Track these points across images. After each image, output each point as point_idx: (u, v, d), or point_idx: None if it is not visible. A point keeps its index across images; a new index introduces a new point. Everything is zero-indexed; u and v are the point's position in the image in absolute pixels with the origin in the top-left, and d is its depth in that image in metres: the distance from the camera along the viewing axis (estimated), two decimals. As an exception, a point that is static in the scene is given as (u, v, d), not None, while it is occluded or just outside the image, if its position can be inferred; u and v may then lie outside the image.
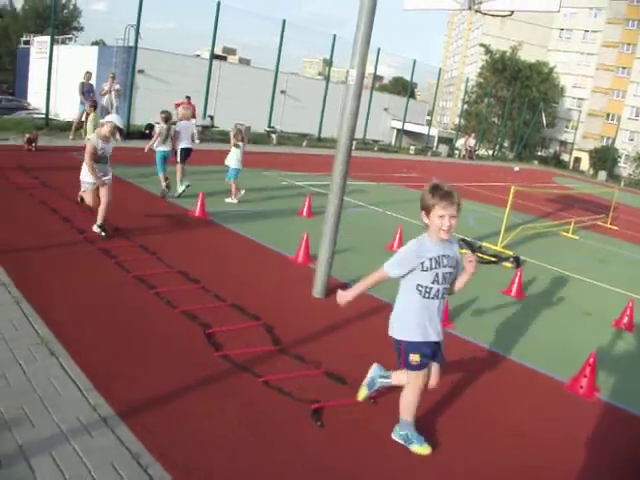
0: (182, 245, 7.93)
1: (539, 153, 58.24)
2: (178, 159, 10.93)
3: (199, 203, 9.58)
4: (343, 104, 6.57)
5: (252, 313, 5.86)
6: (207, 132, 21.30)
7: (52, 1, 18.35)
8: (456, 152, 36.21)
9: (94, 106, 12.77)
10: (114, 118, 7.77)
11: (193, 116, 20.28)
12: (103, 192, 7.57)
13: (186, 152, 11.04)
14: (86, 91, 16.86)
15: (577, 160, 64.00)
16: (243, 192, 11.16)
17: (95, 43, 47.74)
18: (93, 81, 31.05)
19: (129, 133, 18.43)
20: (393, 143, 38.99)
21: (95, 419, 3.74)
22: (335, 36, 26.57)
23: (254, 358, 4.96)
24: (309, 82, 41.37)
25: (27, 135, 13.48)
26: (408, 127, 41.65)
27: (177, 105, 20.35)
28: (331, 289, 6.77)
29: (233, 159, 10.96)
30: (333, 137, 28.90)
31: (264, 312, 5.93)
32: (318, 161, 20.87)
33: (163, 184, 10.54)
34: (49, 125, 18.22)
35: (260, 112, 26.88)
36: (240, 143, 11.01)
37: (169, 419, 3.90)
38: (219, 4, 21.42)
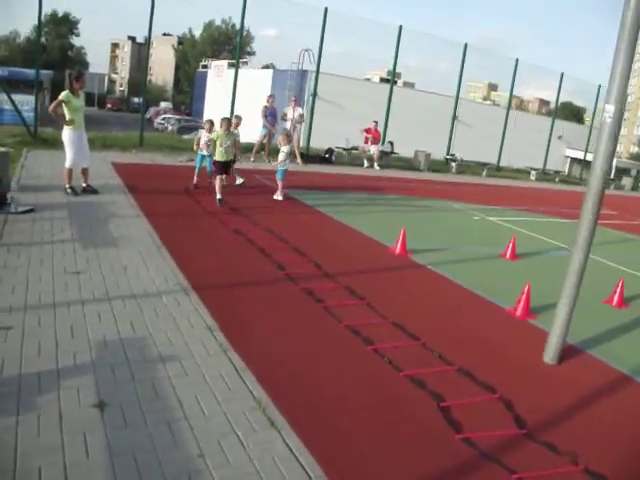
0: (389, 288, 7.17)
1: None
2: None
3: (400, 239, 8.82)
4: (597, 144, 5.48)
5: (483, 381, 4.93)
6: (386, 158, 20.67)
7: (239, 30, 18.51)
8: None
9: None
10: None
11: (377, 141, 19.96)
12: None
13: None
14: (269, 114, 16.82)
15: None
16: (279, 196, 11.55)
17: (265, 67, 49.41)
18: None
19: (309, 157, 18.26)
20: (567, 172, 36.52)
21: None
22: (517, 60, 25.08)
23: (499, 444, 4.05)
24: (479, 107, 40.01)
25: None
26: (581, 155, 39.06)
27: (366, 131, 20.02)
28: (564, 354, 5.74)
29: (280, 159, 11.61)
30: (511, 167, 27.41)
31: (495, 381, 4.98)
32: (504, 193, 19.64)
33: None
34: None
35: (432, 138, 26.03)
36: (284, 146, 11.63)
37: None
38: (401, 27, 20.85)
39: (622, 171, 40.19)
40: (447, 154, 23.92)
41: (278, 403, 4.02)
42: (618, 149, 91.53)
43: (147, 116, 47.52)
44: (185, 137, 29.81)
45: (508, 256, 9.83)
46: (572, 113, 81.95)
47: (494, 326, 6.55)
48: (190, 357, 4.47)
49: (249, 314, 5.57)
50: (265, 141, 17.01)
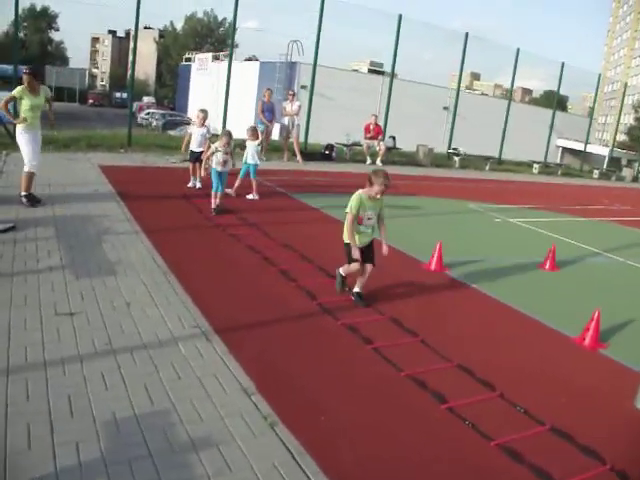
0: (438, 317, 6.13)
1: None
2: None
3: (436, 254, 7.79)
4: None
5: (584, 445, 3.93)
6: (388, 154, 19.53)
7: (232, 22, 17.20)
8: (640, 176, 32.28)
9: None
10: None
11: (377, 136, 18.83)
12: None
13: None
14: (266, 109, 15.67)
15: None
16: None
17: (247, 59, 48.25)
18: (254, 96, 30.42)
19: (308, 154, 17.15)
20: (559, 163, 35.63)
21: None
22: (519, 50, 24.05)
23: None
24: (471, 98, 39.08)
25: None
26: (573, 145, 38.48)
27: (366, 128, 18.86)
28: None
29: (248, 156, 10.63)
30: (512, 160, 26.48)
31: (595, 441, 3.97)
32: (515, 189, 18.69)
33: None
34: (225, 144, 17.24)
35: (426, 130, 25.03)
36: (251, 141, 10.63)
37: None
38: (400, 17, 19.74)
39: (613, 160, 39.51)
40: (449, 148, 22.89)
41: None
42: (606, 137, 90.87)
43: (130, 111, 46.09)
44: (171, 133, 28.58)
45: (548, 267, 8.87)
46: (556, 101, 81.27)
47: (566, 361, 5.55)
48: (230, 440, 3.40)
49: (289, 366, 4.50)
50: (263, 138, 15.86)
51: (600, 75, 29.21)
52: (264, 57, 41.25)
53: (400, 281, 7.13)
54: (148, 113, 42.80)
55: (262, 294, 5.94)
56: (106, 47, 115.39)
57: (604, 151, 42.10)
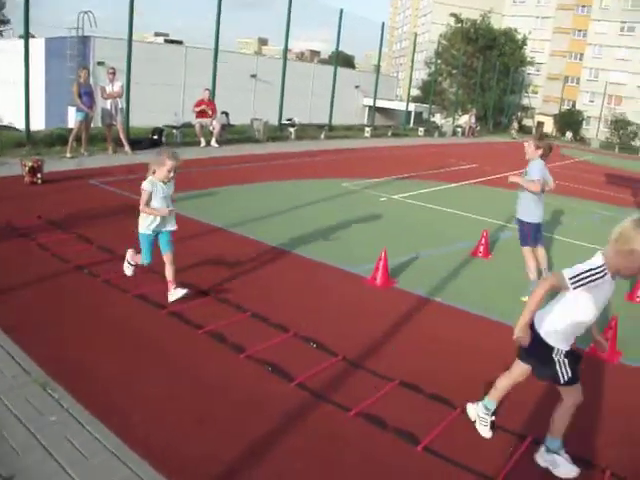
0: (440, 362, 4.53)
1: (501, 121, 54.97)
2: None
3: (381, 266, 6.15)
4: None
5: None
6: (223, 132, 17.36)
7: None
8: (458, 130, 33.30)
9: None
10: None
11: (212, 114, 16.59)
12: None
13: None
14: (84, 93, 12.83)
15: (539, 124, 62.95)
16: None
17: (22, 37, 42.72)
18: (42, 78, 26.31)
19: (135, 142, 14.58)
20: (365, 122, 35.54)
21: None
22: (342, 10, 22.72)
23: None
24: (273, 63, 37.58)
25: (28, 163, 9.49)
26: (381, 104, 38.74)
27: (198, 104, 16.56)
28: None
29: None
30: (342, 125, 25.50)
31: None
32: (367, 159, 17.77)
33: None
34: (30, 139, 13.94)
35: (235, 101, 23.14)
36: None
37: None
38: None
39: (416, 115, 40.64)
40: (280, 119, 21.20)
41: None
42: (398, 93, 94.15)
43: None
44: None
45: (481, 254, 7.76)
46: (344, 62, 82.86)
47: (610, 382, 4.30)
48: None
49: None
50: (82, 128, 13.06)
51: (416, 35, 29.21)
52: (44, 33, 36.50)
53: (356, 311, 5.40)
54: None
55: (233, 398, 3.87)
56: None
57: (410, 107, 43.05)
